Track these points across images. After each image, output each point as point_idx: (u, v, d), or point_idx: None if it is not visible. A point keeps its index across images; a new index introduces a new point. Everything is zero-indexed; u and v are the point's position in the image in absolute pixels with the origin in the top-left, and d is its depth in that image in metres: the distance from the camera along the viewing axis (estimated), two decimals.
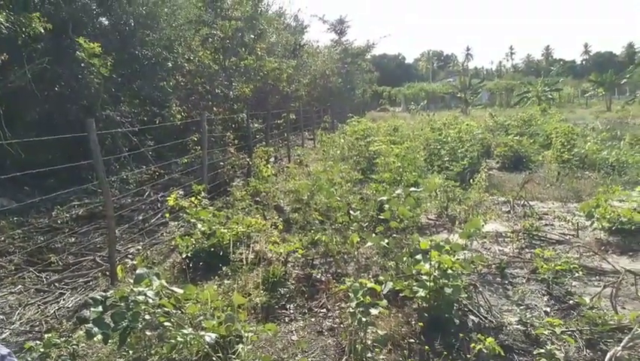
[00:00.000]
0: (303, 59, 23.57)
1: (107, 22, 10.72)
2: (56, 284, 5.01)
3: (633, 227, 5.67)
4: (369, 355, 3.21)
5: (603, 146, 11.61)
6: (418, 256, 3.85)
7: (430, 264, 3.73)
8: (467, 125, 13.56)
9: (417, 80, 71.54)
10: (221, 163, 9.47)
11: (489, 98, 51.73)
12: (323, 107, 24.36)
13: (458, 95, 42.91)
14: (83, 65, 8.19)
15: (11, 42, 7.35)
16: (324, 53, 29.24)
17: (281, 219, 6.49)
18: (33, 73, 7.88)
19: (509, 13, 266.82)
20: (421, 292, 3.66)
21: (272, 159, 11.99)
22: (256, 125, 14.01)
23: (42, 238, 6.43)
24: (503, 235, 6.00)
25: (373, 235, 5.05)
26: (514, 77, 73.55)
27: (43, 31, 7.25)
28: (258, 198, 7.70)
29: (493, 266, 4.91)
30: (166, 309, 3.01)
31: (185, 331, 2.92)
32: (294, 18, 27.53)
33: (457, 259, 3.96)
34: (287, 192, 8.02)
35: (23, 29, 7.02)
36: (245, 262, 4.77)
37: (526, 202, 7.41)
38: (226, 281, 4.49)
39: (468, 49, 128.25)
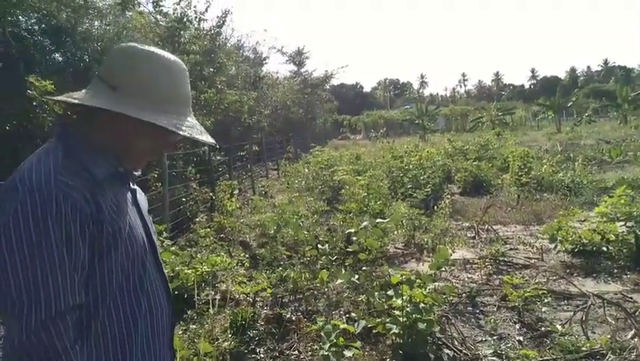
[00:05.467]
0: (264, 90, 23.65)
1: (60, 59, 10.44)
2: None
3: (594, 248, 5.81)
4: None
5: (558, 168, 12.03)
6: (390, 292, 3.79)
7: (402, 299, 3.67)
8: (428, 152, 13.82)
9: (375, 108, 72.93)
10: (184, 199, 9.22)
11: (445, 124, 53.17)
12: (285, 138, 24.41)
13: (416, 122, 43.84)
14: (35, 103, 7.91)
15: None
16: (284, 84, 29.49)
17: (247, 255, 6.31)
18: None
19: (460, 40, 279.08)
20: (395, 329, 3.58)
21: (236, 192, 11.79)
22: (218, 157, 13.81)
23: None
24: (470, 261, 6.02)
25: (342, 268, 4.97)
26: (467, 102, 76.27)
27: None
28: (222, 235, 7.49)
29: (464, 295, 4.89)
30: None
31: None
32: (252, 50, 27.70)
33: (429, 291, 3.91)
34: (253, 226, 7.85)
35: None
36: (211, 305, 4.57)
37: (489, 227, 7.51)
38: (192, 326, 4.29)
39: (422, 76, 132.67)
